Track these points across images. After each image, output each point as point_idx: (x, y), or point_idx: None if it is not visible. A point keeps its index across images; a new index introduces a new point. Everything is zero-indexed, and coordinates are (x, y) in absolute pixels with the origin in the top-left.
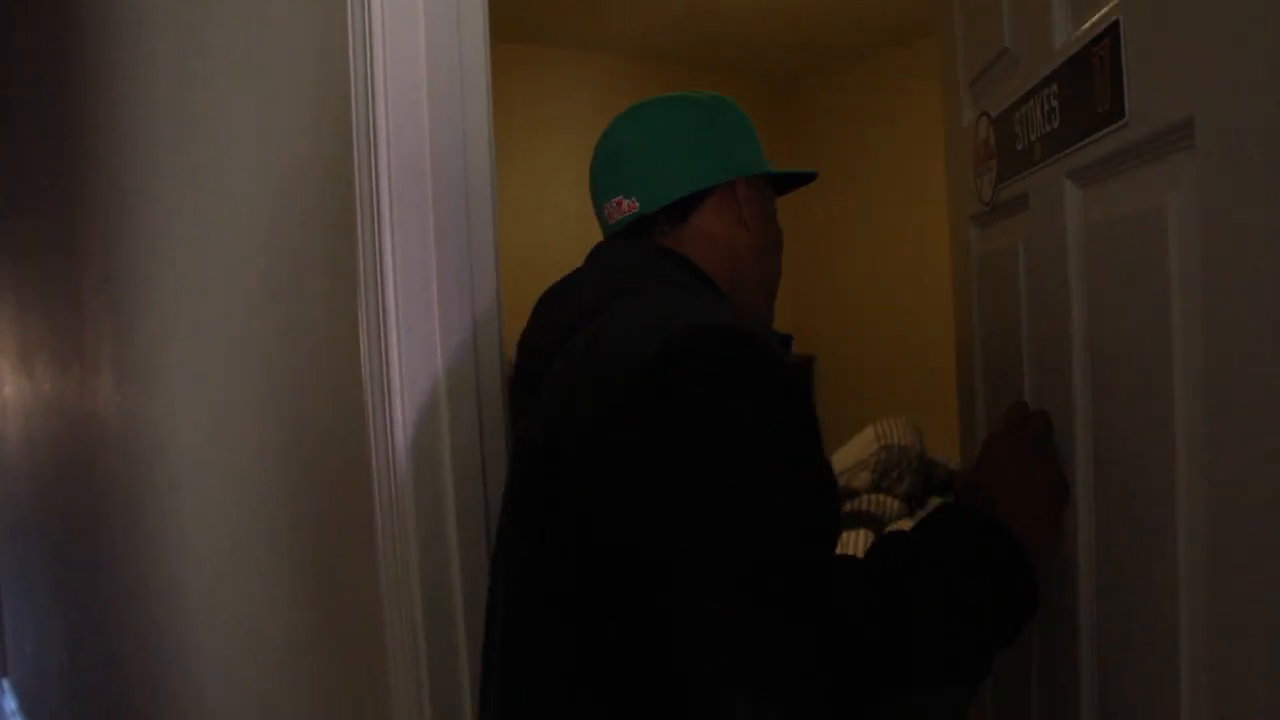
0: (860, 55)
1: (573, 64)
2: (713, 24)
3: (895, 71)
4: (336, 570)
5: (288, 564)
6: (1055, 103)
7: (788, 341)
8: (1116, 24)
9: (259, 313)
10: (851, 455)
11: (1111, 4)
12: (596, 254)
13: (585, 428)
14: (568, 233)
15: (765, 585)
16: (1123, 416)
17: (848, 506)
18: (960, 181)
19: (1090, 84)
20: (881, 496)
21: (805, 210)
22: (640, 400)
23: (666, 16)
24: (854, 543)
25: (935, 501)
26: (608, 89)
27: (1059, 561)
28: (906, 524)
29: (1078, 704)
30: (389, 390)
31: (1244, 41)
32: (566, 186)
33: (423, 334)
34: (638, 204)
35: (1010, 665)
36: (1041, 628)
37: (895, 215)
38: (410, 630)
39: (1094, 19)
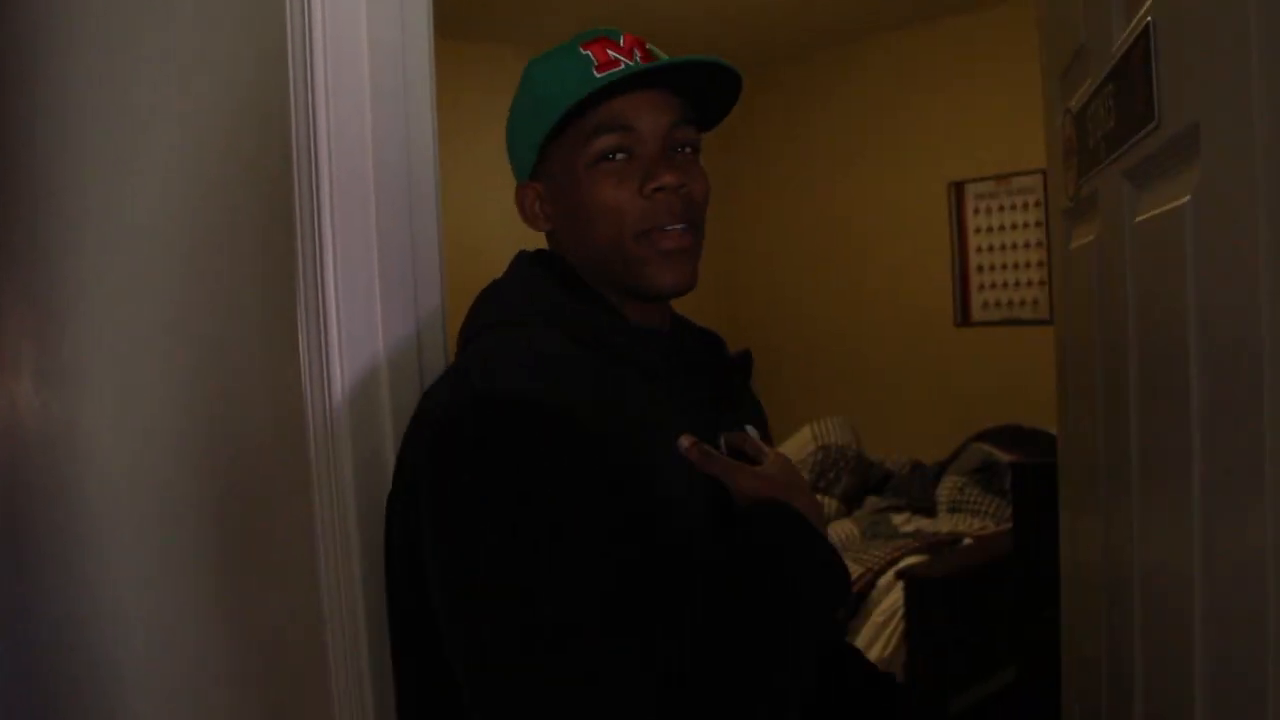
0: (798, 55)
1: (513, 60)
2: (649, 21)
3: (836, 68)
4: (274, 576)
5: (218, 571)
6: (1112, 102)
7: (649, 336)
8: (1149, 27)
9: (191, 314)
10: (789, 455)
11: (1147, 6)
12: (509, 267)
13: (397, 493)
14: (510, 230)
15: (549, 662)
16: (1163, 416)
17: None
18: (1056, 176)
19: (1133, 85)
20: (820, 497)
21: (738, 202)
22: (426, 476)
23: (604, 11)
24: None
25: (873, 500)
26: None
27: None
28: (845, 526)
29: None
30: (330, 393)
31: (1244, 46)
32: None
33: (365, 335)
34: None
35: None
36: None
37: (834, 210)
38: (352, 641)
39: (1139, 16)
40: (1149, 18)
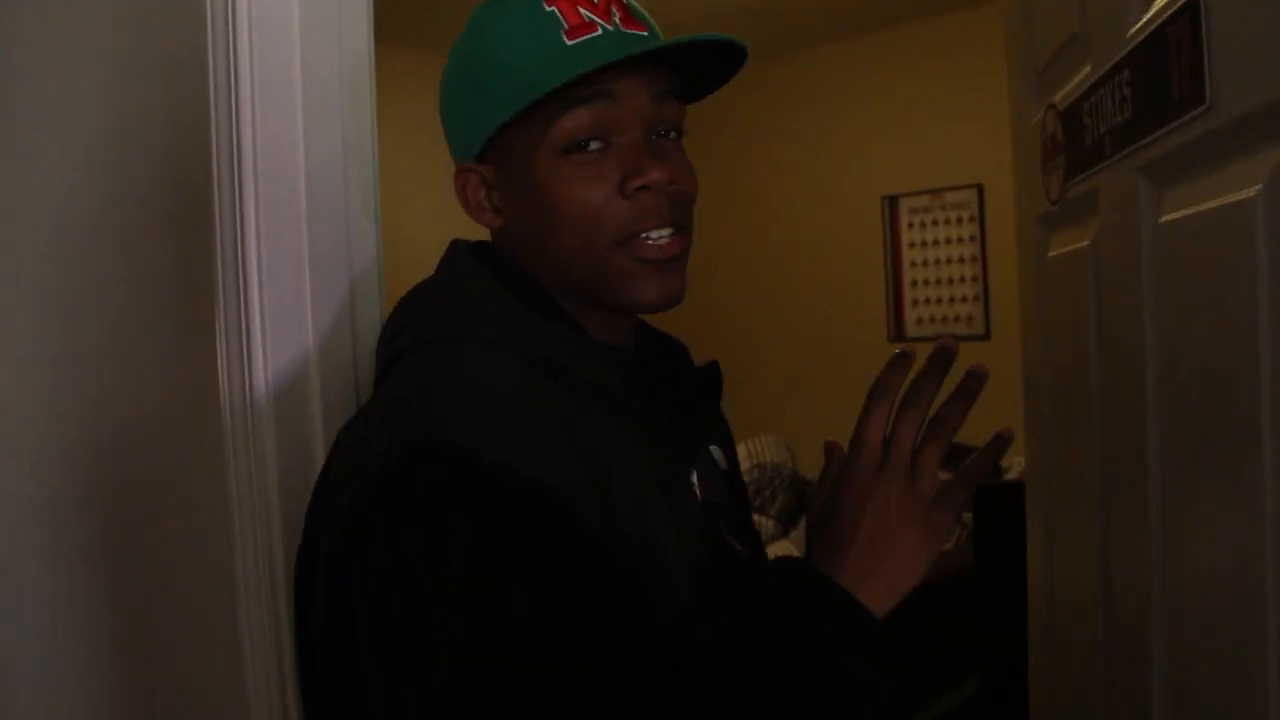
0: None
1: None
2: None
3: (768, 81)
4: (187, 630)
5: (119, 617)
6: (1127, 91)
7: (622, 359)
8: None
9: (89, 319)
10: None
11: None
12: (443, 259)
13: (330, 548)
14: (444, 234)
15: None
16: (1201, 430)
17: None
18: (1026, 179)
19: (1166, 67)
20: (757, 517)
21: None
22: (362, 547)
23: None
24: None
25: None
26: None
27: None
28: (783, 546)
29: None
30: (253, 420)
31: None
32: (442, 189)
33: (295, 355)
34: None
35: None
36: (1112, 651)
37: (766, 223)
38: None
39: None
40: None
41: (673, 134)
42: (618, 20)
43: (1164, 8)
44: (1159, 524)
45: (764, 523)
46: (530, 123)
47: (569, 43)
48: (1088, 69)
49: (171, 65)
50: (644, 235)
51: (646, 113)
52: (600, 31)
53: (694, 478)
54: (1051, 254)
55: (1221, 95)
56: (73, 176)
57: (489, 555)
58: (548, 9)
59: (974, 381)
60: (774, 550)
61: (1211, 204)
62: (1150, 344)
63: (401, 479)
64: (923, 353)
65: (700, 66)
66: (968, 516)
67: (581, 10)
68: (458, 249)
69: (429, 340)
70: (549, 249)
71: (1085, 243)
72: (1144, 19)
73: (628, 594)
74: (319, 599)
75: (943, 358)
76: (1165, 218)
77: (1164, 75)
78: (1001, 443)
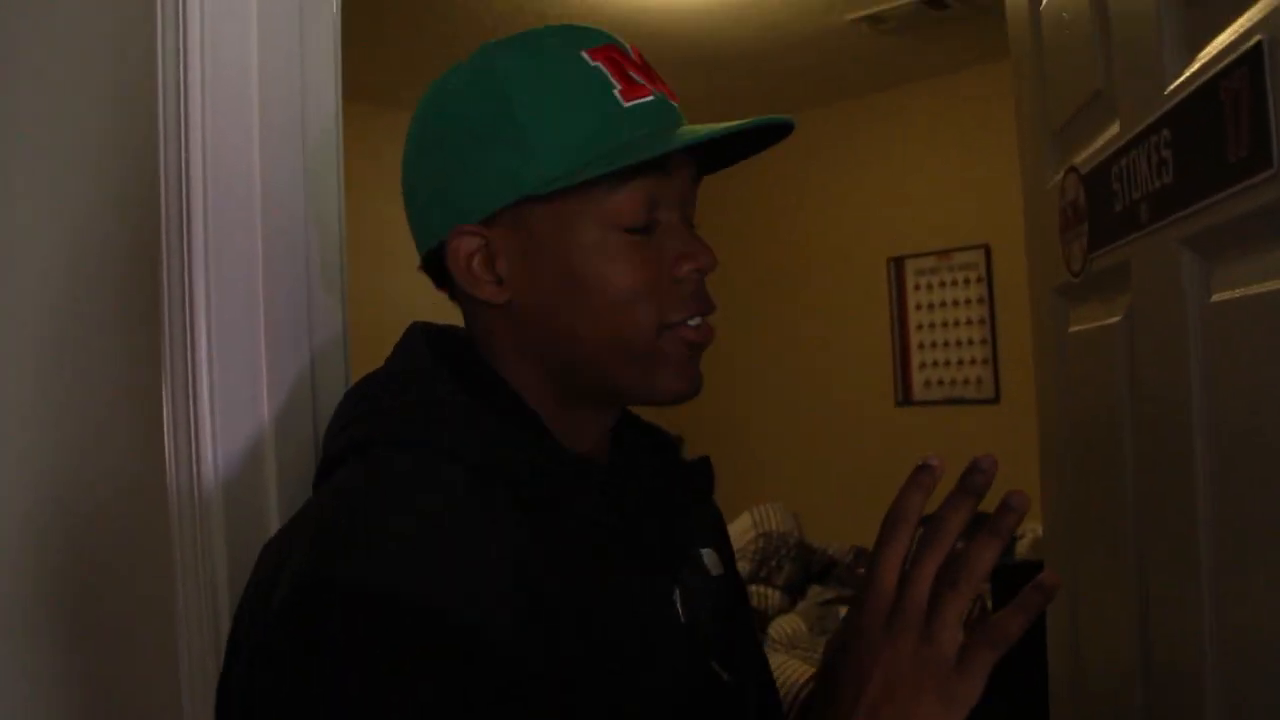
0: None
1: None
2: None
3: (801, 141)
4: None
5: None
6: (1167, 152)
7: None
8: (1259, 46)
9: (50, 412)
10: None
11: (1248, 21)
12: (395, 350)
13: (238, 681)
14: (417, 302)
15: None
16: (1260, 524)
17: None
18: (1042, 248)
19: (1219, 126)
20: (761, 588)
21: None
22: (258, 678)
23: None
24: None
25: (816, 590)
26: None
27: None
28: (790, 620)
29: None
30: (202, 515)
31: None
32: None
33: (248, 444)
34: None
35: None
36: None
37: (770, 285)
38: None
39: (1223, 43)
40: (1258, 35)
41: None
42: (660, 88)
43: (1215, 58)
44: (1211, 596)
45: (769, 594)
46: (571, 193)
47: (625, 104)
48: (1115, 129)
49: (123, 143)
50: (688, 321)
51: (687, 193)
52: (652, 97)
53: (676, 596)
54: (1074, 329)
55: None
56: (34, 257)
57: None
58: (591, 64)
59: (981, 477)
60: (780, 625)
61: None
62: (1199, 425)
63: (303, 618)
64: (930, 419)
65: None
66: (983, 588)
67: (628, 72)
68: (414, 336)
69: (369, 443)
70: (574, 329)
71: (1115, 319)
72: (1188, 72)
73: None
74: None
75: (977, 481)
76: (1218, 297)
77: (1216, 135)
78: (1015, 516)
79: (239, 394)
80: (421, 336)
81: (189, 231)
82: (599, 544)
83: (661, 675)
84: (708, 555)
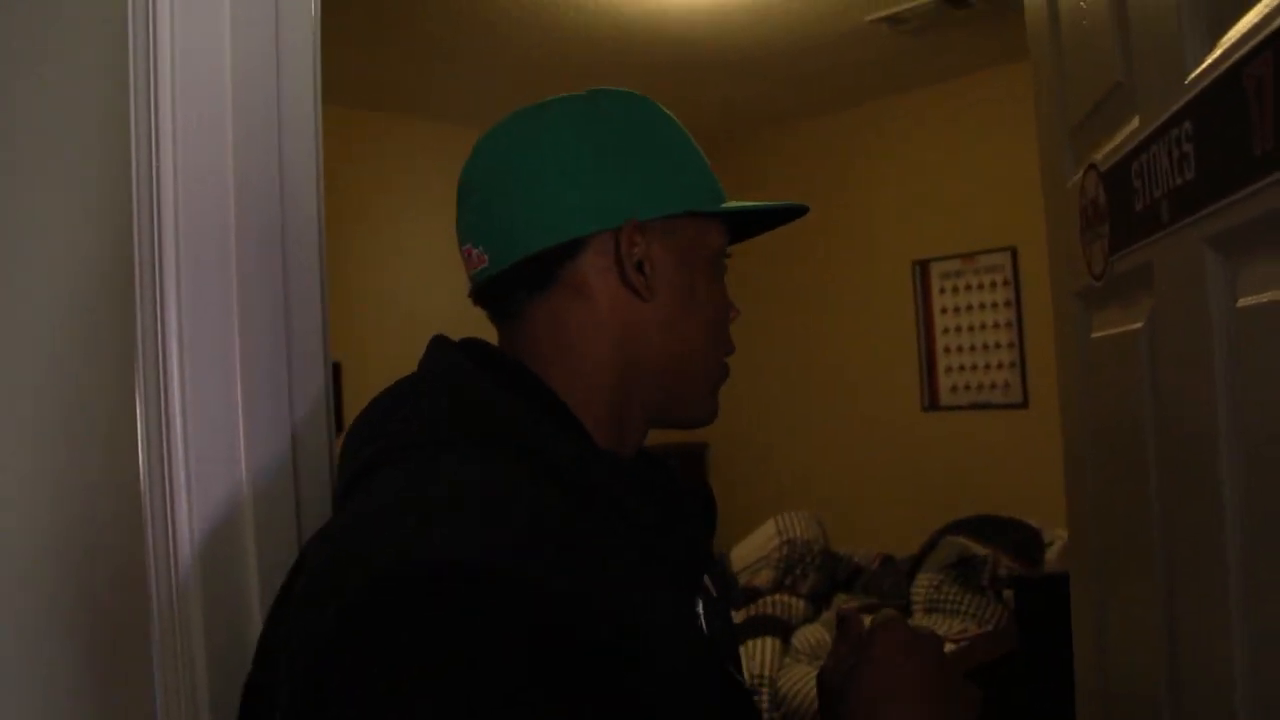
0: (756, 130)
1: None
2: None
3: (796, 144)
4: None
5: None
6: (1189, 146)
7: (661, 478)
8: None
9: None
10: (752, 551)
11: (1273, 2)
12: (424, 356)
13: (294, 681)
14: (421, 309)
15: None
16: None
17: (750, 610)
18: (1062, 250)
19: (1243, 117)
20: (785, 597)
21: None
22: (333, 670)
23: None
24: (760, 651)
25: (842, 598)
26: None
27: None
28: (814, 629)
29: None
30: (178, 587)
31: None
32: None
33: (222, 461)
34: (487, 258)
35: None
36: None
37: (793, 291)
38: None
39: (1245, 26)
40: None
41: None
42: None
43: (1238, 43)
44: (1239, 606)
45: (794, 603)
46: (701, 228)
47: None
48: (1135, 122)
49: (102, 151)
50: (727, 355)
51: None
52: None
53: (699, 607)
54: (1096, 335)
55: None
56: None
57: (531, 704)
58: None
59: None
60: (805, 635)
61: None
62: (1225, 434)
63: (410, 599)
64: (957, 424)
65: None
66: (1009, 595)
67: None
68: (445, 343)
69: (417, 444)
70: (681, 341)
71: (1138, 324)
72: (1208, 60)
73: None
74: None
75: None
76: (1244, 301)
77: (1239, 127)
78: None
79: (217, 457)
80: (453, 344)
81: (160, 243)
82: (641, 546)
83: (696, 680)
84: (707, 579)
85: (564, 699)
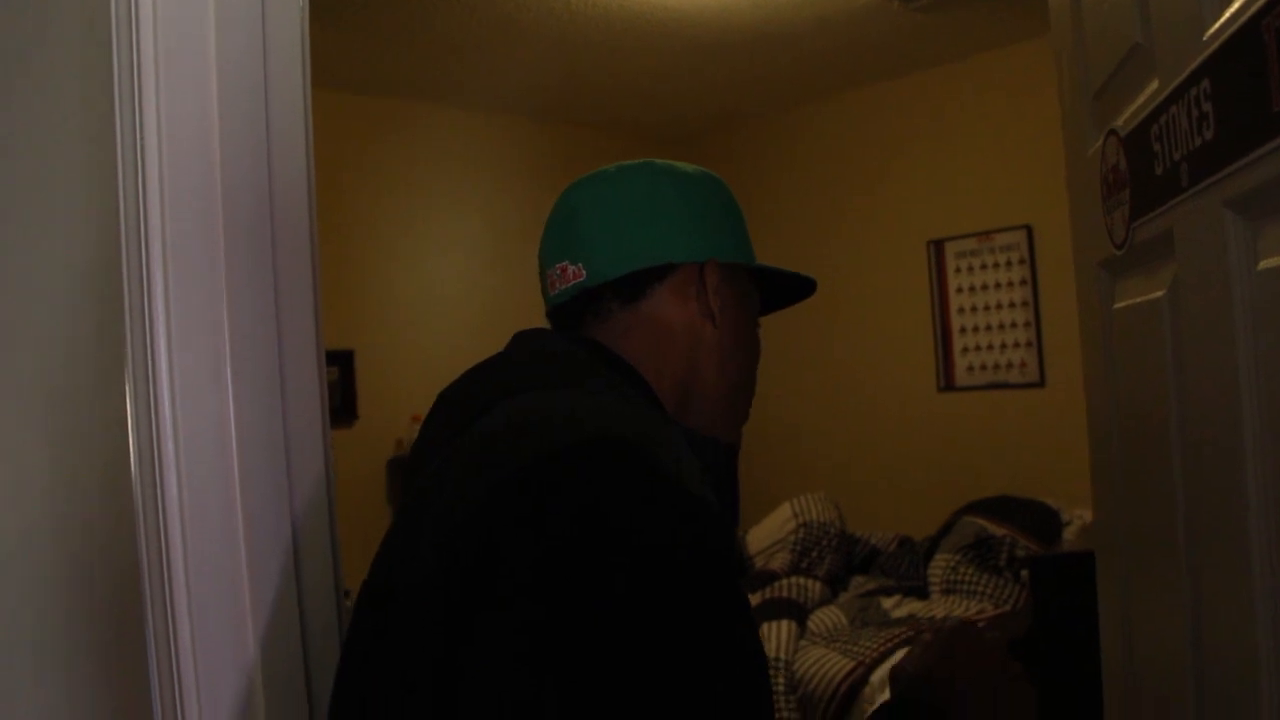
0: (770, 110)
1: (453, 121)
2: (592, 86)
3: (809, 124)
4: None
5: None
6: (1208, 106)
7: (722, 461)
8: None
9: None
10: (768, 534)
11: None
12: (514, 340)
13: (427, 571)
14: (450, 280)
15: None
16: None
17: (767, 593)
18: (1085, 219)
19: (1262, 72)
20: (802, 580)
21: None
22: (510, 568)
23: (550, 79)
24: (776, 634)
25: (859, 580)
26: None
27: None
28: (830, 612)
29: None
30: (169, 569)
31: None
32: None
33: (213, 445)
34: (584, 272)
35: None
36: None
37: (808, 271)
38: None
39: None
40: None
41: None
42: None
43: None
44: (1264, 584)
45: (810, 586)
46: (746, 282)
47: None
48: (1155, 84)
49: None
50: None
51: None
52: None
53: None
54: (1119, 305)
55: None
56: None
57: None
58: None
59: None
60: (821, 618)
61: None
62: (1247, 402)
63: (595, 458)
64: (973, 404)
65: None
66: (1026, 575)
67: None
68: (534, 331)
69: (545, 378)
70: (727, 371)
71: (1159, 293)
72: (1227, 14)
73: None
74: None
75: None
76: (1266, 264)
77: (1259, 83)
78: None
79: (204, 403)
80: (546, 333)
81: (146, 237)
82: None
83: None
84: None
85: (738, 601)
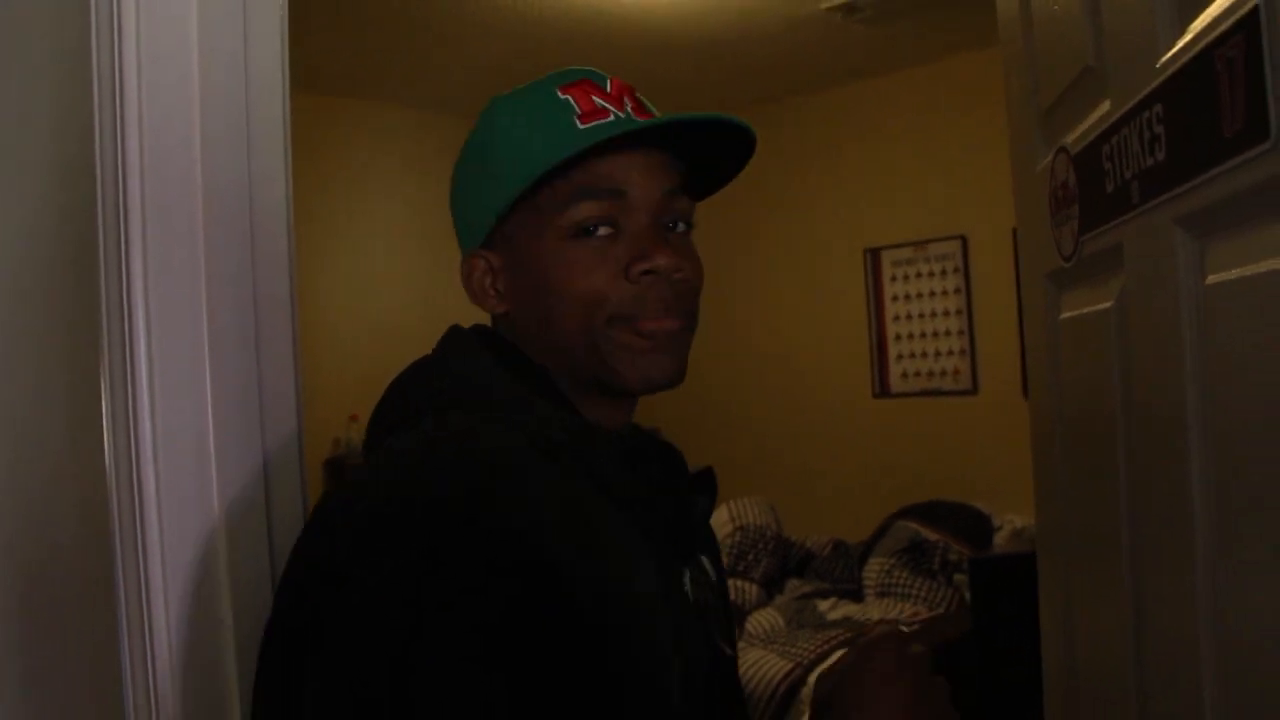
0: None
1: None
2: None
3: (776, 132)
4: None
5: None
6: (1160, 128)
7: (643, 447)
8: (1255, 11)
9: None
10: None
11: None
12: (439, 342)
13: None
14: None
15: None
16: (1259, 516)
17: None
18: (1032, 232)
19: (1213, 98)
20: (739, 582)
21: None
22: (335, 591)
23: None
24: None
25: (795, 584)
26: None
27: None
28: (768, 614)
29: None
30: (144, 544)
31: None
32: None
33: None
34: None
35: None
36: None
37: (745, 276)
38: None
39: (1217, 9)
40: (1252, 1)
41: (682, 225)
42: (629, 109)
43: (1208, 27)
44: (1206, 590)
45: (747, 588)
46: (539, 209)
47: (581, 126)
48: (1106, 106)
49: (64, 135)
50: (644, 319)
51: (655, 203)
52: (612, 118)
53: (686, 578)
54: (1065, 315)
55: None
56: None
57: (530, 645)
58: (561, 96)
59: None
60: (758, 620)
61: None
62: (1194, 412)
63: (389, 529)
64: (908, 410)
65: (709, 157)
66: (961, 580)
67: (595, 99)
68: (457, 332)
69: (430, 411)
70: (551, 332)
71: (1107, 304)
72: (1180, 43)
73: (633, 696)
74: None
75: None
76: (1214, 278)
77: (1210, 108)
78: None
79: (180, 402)
80: (464, 332)
81: (126, 229)
82: (621, 516)
83: (680, 645)
84: (706, 562)
85: (518, 647)
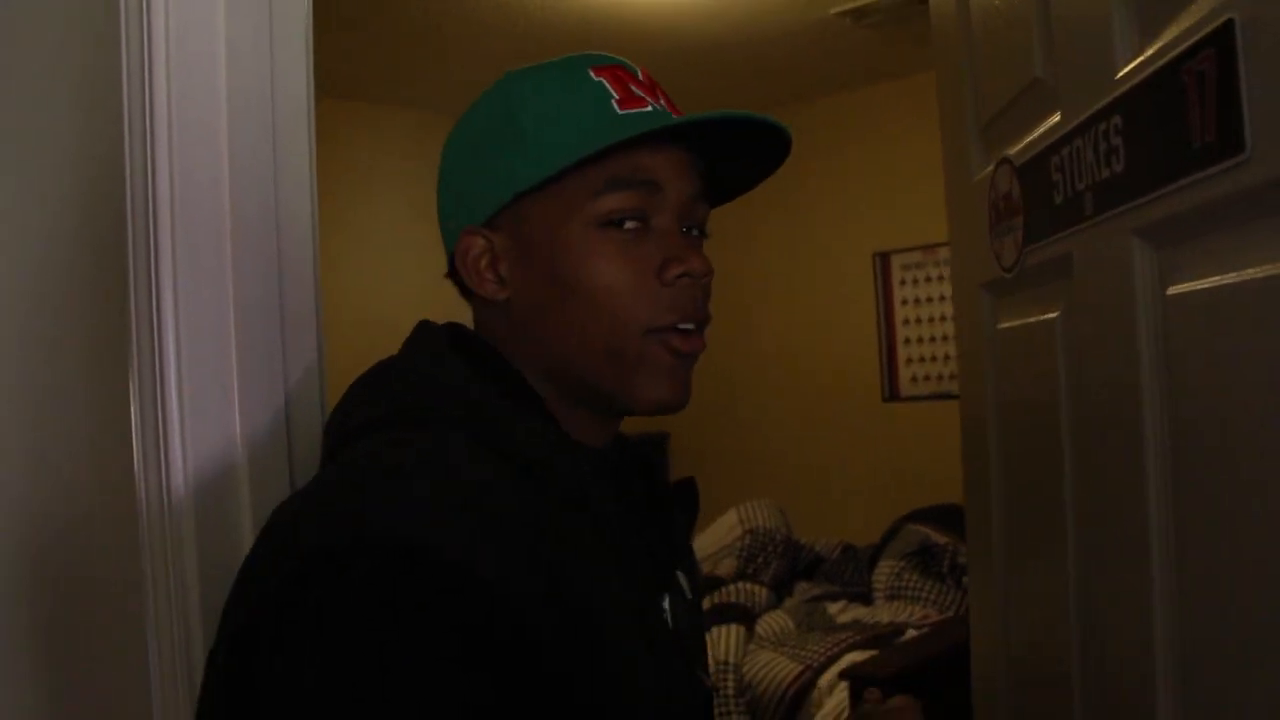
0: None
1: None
2: None
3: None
4: None
5: None
6: (1118, 140)
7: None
8: (1229, 26)
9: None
10: (715, 540)
11: (1214, 0)
12: (406, 340)
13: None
14: (401, 296)
15: None
16: (1221, 532)
17: (715, 598)
18: (968, 244)
19: (1180, 111)
20: (748, 585)
21: None
22: (266, 650)
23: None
24: (725, 638)
25: (804, 586)
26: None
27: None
28: (777, 616)
29: None
30: (171, 533)
31: None
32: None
33: (217, 420)
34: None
35: None
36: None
37: (755, 281)
38: None
39: (1185, 24)
40: (1228, 14)
41: (696, 232)
42: (663, 103)
43: (1176, 40)
44: (1162, 586)
45: (757, 591)
46: (562, 192)
47: (620, 111)
48: (1057, 117)
49: (90, 141)
50: (676, 328)
51: (684, 205)
52: (650, 109)
53: (666, 604)
54: (1004, 325)
55: (1265, 143)
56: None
57: (416, 687)
58: (595, 78)
59: None
60: (767, 622)
61: (1248, 275)
62: (1150, 426)
63: (341, 574)
64: (918, 414)
65: (733, 164)
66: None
67: (631, 86)
68: (428, 329)
69: (383, 421)
70: (561, 328)
71: (1053, 314)
72: (1143, 56)
73: None
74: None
75: None
76: (1176, 288)
77: (1176, 121)
78: None
79: (210, 398)
80: (435, 330)
81: (155, 230)
82: (601, 538)
83: (655, 674)
84: (682, 578)
85: (473, 686)
